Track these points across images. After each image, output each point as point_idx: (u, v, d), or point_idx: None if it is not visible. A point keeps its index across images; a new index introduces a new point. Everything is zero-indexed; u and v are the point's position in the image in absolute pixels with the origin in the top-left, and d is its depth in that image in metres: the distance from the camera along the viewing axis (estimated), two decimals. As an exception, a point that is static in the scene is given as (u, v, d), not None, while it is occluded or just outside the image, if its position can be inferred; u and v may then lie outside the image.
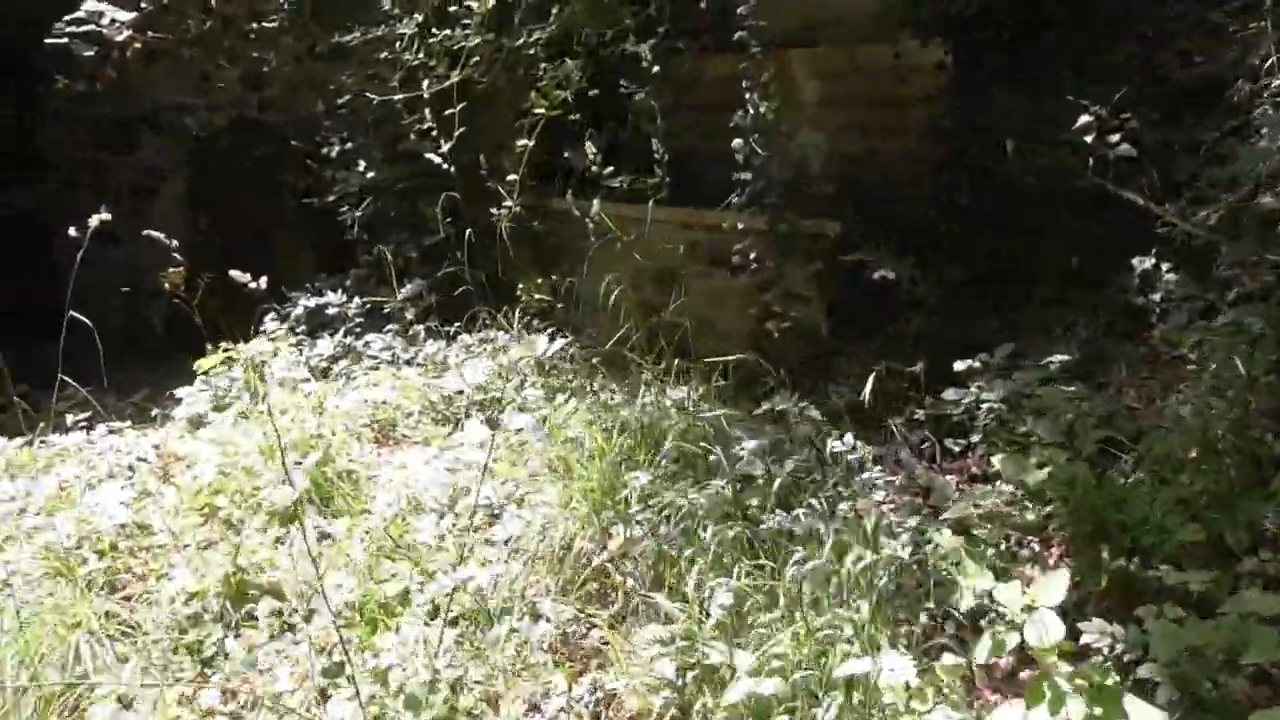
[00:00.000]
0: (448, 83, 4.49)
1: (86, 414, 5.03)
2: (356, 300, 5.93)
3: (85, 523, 3.43)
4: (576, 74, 4.29)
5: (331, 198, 6.24)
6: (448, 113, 4.52)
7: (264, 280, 4.18)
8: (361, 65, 6.20)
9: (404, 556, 3.18)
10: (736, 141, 3.82)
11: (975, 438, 3.24)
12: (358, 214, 6.21)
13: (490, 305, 5.37)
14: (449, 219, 5.12)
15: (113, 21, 5.57)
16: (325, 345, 5.57)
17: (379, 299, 6.04)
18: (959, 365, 3.24)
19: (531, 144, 4.41)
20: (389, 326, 5.76)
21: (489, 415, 2.76)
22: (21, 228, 8.03)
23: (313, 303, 5.81)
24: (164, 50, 6.73)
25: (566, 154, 4.58)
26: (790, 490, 3.22)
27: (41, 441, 4.77)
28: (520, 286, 4.69)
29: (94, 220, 3.86)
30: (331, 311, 5.84)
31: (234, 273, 4.45)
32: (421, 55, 5.34)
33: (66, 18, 5.55)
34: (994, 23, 4.10)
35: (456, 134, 4.60)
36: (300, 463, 3.73)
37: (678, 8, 4.15)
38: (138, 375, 6.78)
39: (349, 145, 6.23)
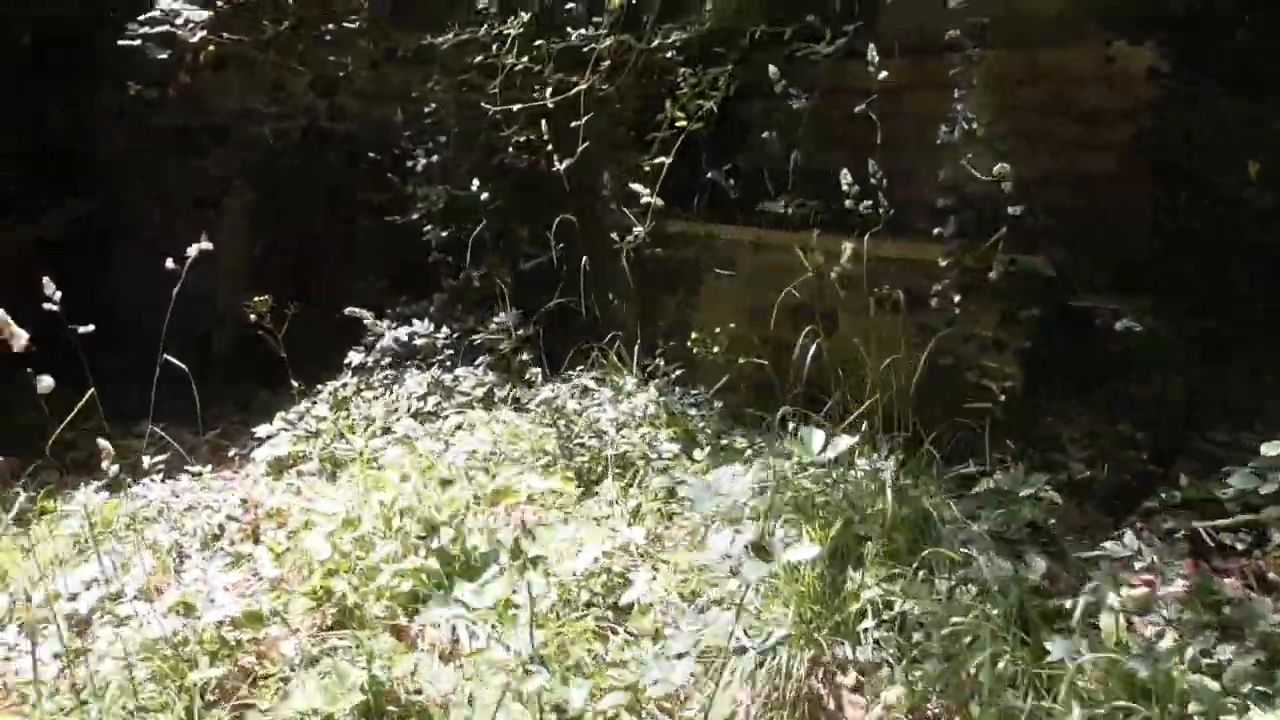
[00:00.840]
0: (573, 90, 3.93)
1: (164, 455, 4.52)
2: (445, 330, 5.39)
3: (188, 608, 2.90)
4: (724, 80, 3.73)
5: (415, 215, 5.71)
6: (573, 125, 3.97)
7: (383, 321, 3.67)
8: (447, 70, 5.67)
9: (569, 672, 2.62)
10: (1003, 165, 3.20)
11: (1277, 536, 2.65)
12: (443, 234, 5.67)
13: (599, 339, 4.84)
14: (560, 244, 4.57)
15: (187, 22, 5.07)
16: (414, 381, 5.04)
17: (468, 328, 5.52)
18: (1269, 449, 2.63)
19: (669, 160, 3.86)
20: (479, 359, 5.23)
21: (758, 540, 2.17)
22: (77, 241, 7.58)
23: (402, 333, 5.28)
24: (235, 55, 6.25)
25: (710, 173, 4.02)
26: (1032, 594, 2.64)
27: (124, 487, 4.28)
28: (694, 335, 4.10)
29: (193, 249, 3.34)
30: (419, 342, 5.31)
31: (354, 310, 3.94)
32: (526, 60, 4.80)
33: (141, 17, 5.05)
34: (1222, 20, 3.50)
35: (580, 149, 4.05)
36: (424, 538, 3.18)
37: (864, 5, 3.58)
38: (205, 405, 6.27)
39: (434, 158, 5.70)
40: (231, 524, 3.82)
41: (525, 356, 5.13)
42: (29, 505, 4.19)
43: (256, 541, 3.87)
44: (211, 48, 5.34)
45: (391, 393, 5.02)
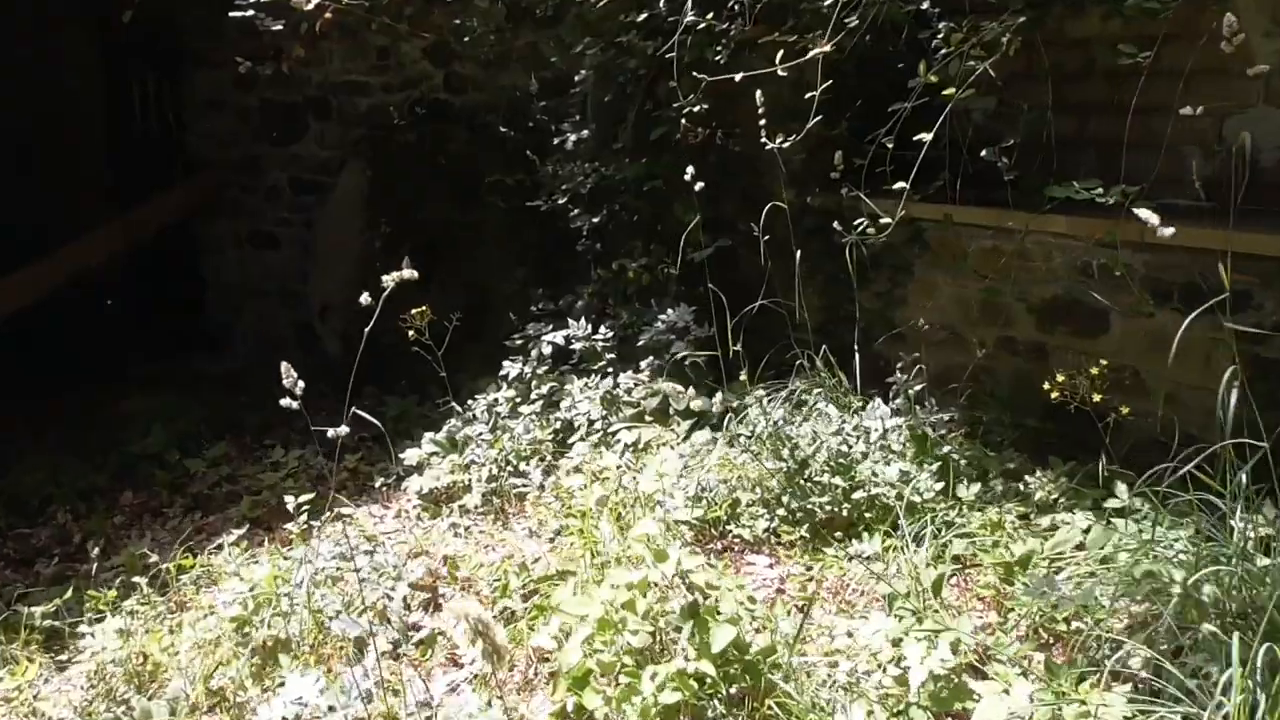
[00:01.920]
0: (813, 52, 3.18)
1: (309, 495, 3.91)
2: (602, 330, 4.71)
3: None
4: (1005, 39, 2.96)
5: (562, 199, 5.02)
6: (808, 96, 3.24)
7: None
8: (595, 31, 4.94)
9: None
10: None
11: None
12: (594, 220, 4.98)
13: (794, 340, 4.13)
14: (766, 236, 3.85)
15: (304, -12, 4.39)
16: (582, 394, 4.37)
17: (623, 325, 4.84)
18: None
19: (930, 138, 3.10)
20: (645, 363, 4.53)
21: None
22: (168, 231, 7.02)
23: (559, 336, 4.61)
24: (339, 21, 5.58)
25: (984, 151, 3.27)
26: None
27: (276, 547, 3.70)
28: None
29: (390, 279, 2.67)
30: (577, 346, 4.63)
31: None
32: (710, 17, 4.07)
33: (254, -15, 4.41)
34: None
35: (809, 124, 3.31)
36: (681, 629, 2.51)
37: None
38: (323, 416, 5.65)
39: (583, 133, 4.99)
40: (414, 592, 3.19)
41: (700, 360, 4.45)
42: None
43: (437, 606, 3.27)
44: (329, 15, 4.65)
45: (556, 407, 4.36)
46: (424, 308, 3.83)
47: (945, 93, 3.08)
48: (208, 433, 4.88)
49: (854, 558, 3.08)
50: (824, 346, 3.99)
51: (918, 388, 3.64)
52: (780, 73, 3.21)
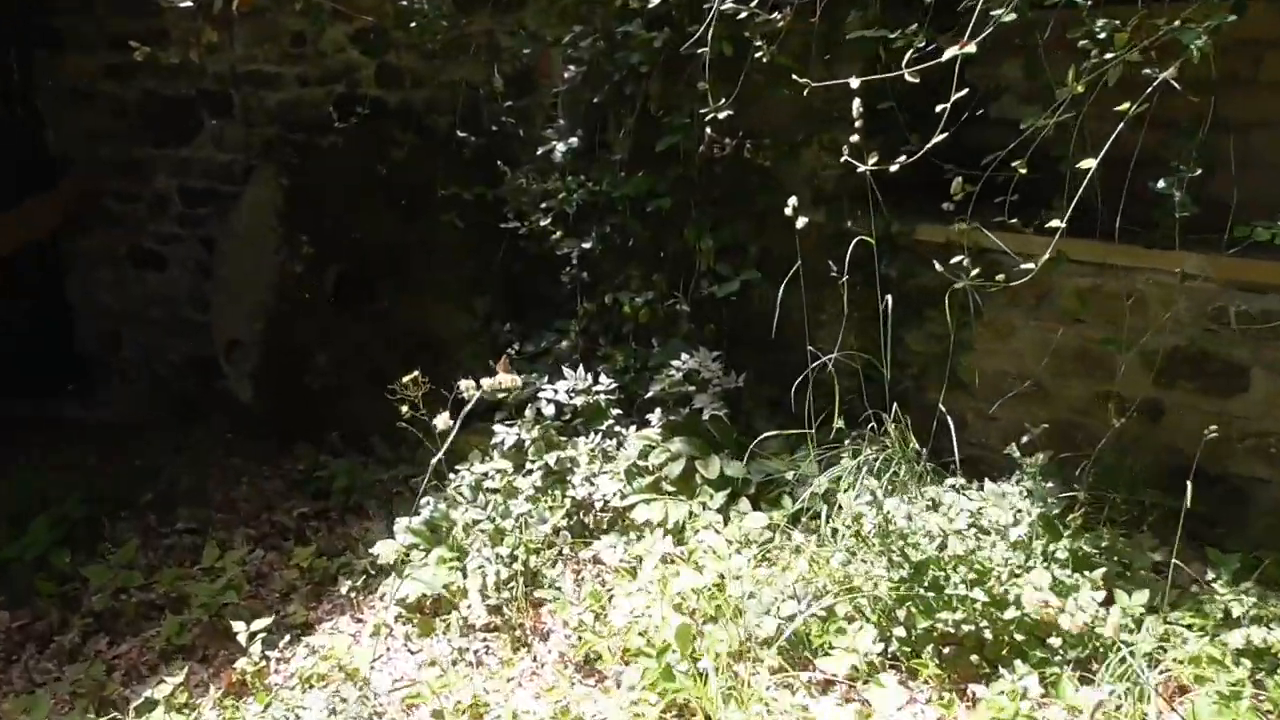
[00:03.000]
0: (950, 52, 2.47)
1: (266, 620, 2.98)
2: (604, 381, 3.91)
3: None
4: (1199, 41, 2.33)
5: (544, 219, 4.18)
6: (940, 107, 2.52)
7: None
8: (571, 19, 4.13)
9: None
10: None
11: None
12: (585, 245, 4.17)
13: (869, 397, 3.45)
14: (846, 276, 3.14)
15: (222, -44, 3.42)
16: (585, 462, 3.58)
17: (620, 371, 4.07)
18: None
19: (1095, 166, 2.44)
20: (654, 417, 3.77)
21: None
22: (26, 249, 5.80)
23: (561, 391, 3.78)
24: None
25: (1159, 182, 2.62)
26: None
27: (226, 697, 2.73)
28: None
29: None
30: (578, 402, 3.82)
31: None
32: (753, 4, 3.33)
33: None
34: None
35: (935, 136, 2.59)
36: None
37: None
38: (233, 480, 4.60)
39: (572, 141, 4.17)
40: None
41: (723, 414, 3.73)
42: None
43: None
44: (251, -10, 3.69)
45: (563, 481, 3.54)
46: (415, 373, 2.95)
47: (1119, 108, 2.42)
48: (102, 518, 3.84)
49: (1024, 698, 2.41)
50: (894, 405, 3.32)
51: (1042, 462, 2.98)
52: (909, 78, 2.49)
